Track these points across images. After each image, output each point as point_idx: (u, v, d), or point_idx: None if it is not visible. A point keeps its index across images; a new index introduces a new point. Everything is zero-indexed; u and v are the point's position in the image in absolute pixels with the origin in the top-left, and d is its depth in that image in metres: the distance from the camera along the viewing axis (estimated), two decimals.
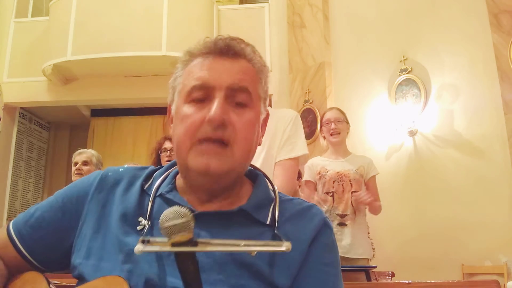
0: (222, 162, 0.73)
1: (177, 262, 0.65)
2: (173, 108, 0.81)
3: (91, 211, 0.80)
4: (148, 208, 0.77)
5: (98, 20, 5.27)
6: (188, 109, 0.76)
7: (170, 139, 2.90)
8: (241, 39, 0.81)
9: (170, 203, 0.76)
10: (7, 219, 5.62)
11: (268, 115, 0.86)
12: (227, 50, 0.78)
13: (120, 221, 0.76)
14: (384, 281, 2.53)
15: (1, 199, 5.72)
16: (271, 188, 0.84)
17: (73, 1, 5.37)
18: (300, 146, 1.71)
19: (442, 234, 3.76)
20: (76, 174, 3.14)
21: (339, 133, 2.80)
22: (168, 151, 2.95)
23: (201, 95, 0.75)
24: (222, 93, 0.74)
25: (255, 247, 0.67)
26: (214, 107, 0.73)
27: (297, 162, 1.71)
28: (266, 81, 0.83)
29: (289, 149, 1.68)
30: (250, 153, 0.79)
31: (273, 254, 0.73)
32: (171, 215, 0.65)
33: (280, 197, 0.82)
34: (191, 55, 0.80)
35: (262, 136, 0.85)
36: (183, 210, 0.65)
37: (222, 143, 0.74)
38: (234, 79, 0.76)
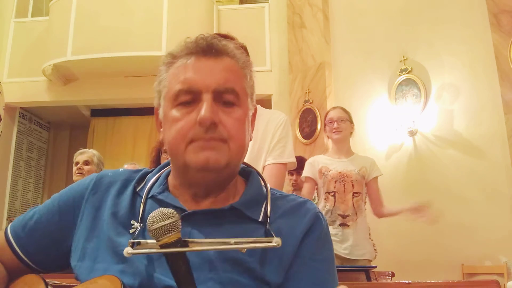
0: (221, 155, 0.73)
1: (168, 263, 0.65)
2: (161, 112, 0.80)
3: (86, 213, 0.80)
4: (140, 210, 0.77)
5: (98, 20, 5.26)
6: (176, 112, 0.75)
7: None
8: (224, 35, 0.80)
9: (162, 204, 0.76)
10: (7, 219, 5.62)
11: (256, 110, 0.86)
12: (209, 48, 0.77)
13: (113, 223, 0.77)
14: (384, 281, 2.52)
15: (1, 199, 5.72)
16: (264, 185, 0.84)
17: (73, 1, 5.36)
18: (289, 152, 1.72)
19: (442, 234, 3.75)
20: (77, 174, 3.13)
21: (342, 131, 2.79)
22: None
23: (188, 98, 0.75)
24: (209, 95, 0.74)
25: (245, 244, 0.66)
26: (204, 109, 0.72)
27: (286, 167, 1.72)
28: (251, 76, 0.83)
29: (279, 153, 1.69)
30: (244, 148, 0.79)
31: (265, 250, 0.72)
32: (157, 217, 0.65)
33: (273, 194, 0.82)
34: (173, 57, 0.79)
35: (252, 131, 0.85)
36: (169, 211, 0.66)
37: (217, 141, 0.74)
38: (219, 80, 0.75)
